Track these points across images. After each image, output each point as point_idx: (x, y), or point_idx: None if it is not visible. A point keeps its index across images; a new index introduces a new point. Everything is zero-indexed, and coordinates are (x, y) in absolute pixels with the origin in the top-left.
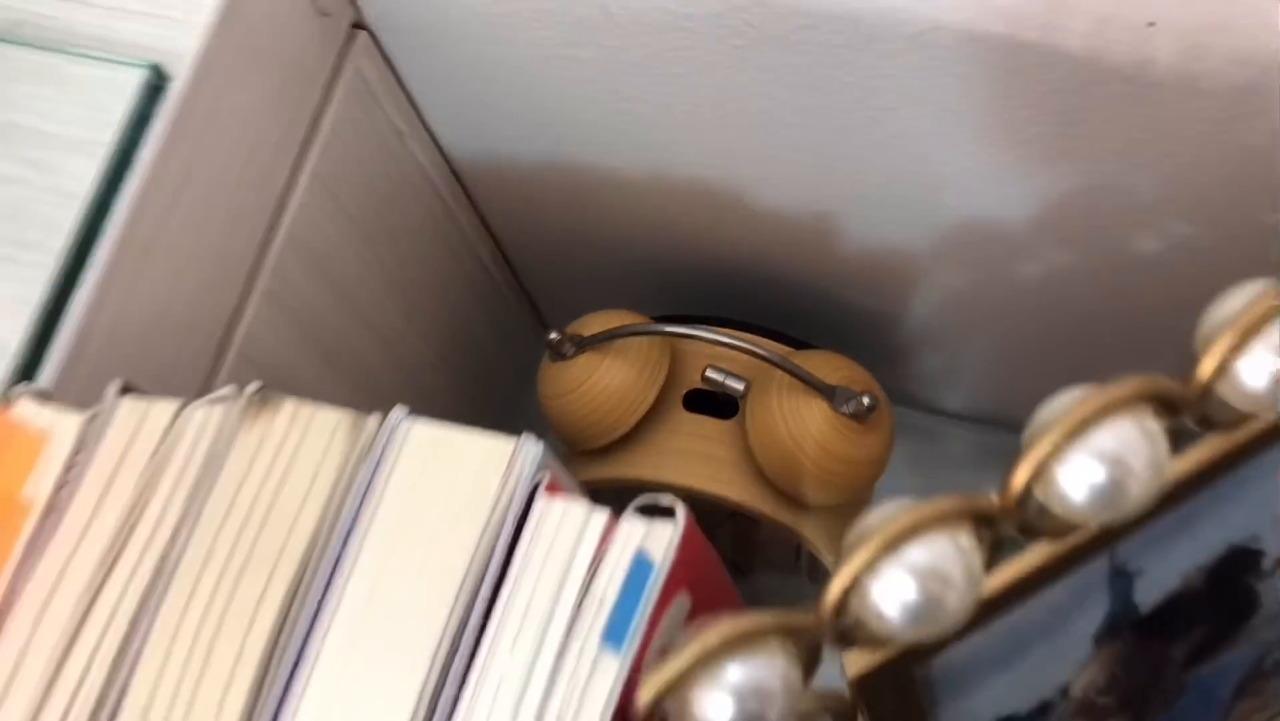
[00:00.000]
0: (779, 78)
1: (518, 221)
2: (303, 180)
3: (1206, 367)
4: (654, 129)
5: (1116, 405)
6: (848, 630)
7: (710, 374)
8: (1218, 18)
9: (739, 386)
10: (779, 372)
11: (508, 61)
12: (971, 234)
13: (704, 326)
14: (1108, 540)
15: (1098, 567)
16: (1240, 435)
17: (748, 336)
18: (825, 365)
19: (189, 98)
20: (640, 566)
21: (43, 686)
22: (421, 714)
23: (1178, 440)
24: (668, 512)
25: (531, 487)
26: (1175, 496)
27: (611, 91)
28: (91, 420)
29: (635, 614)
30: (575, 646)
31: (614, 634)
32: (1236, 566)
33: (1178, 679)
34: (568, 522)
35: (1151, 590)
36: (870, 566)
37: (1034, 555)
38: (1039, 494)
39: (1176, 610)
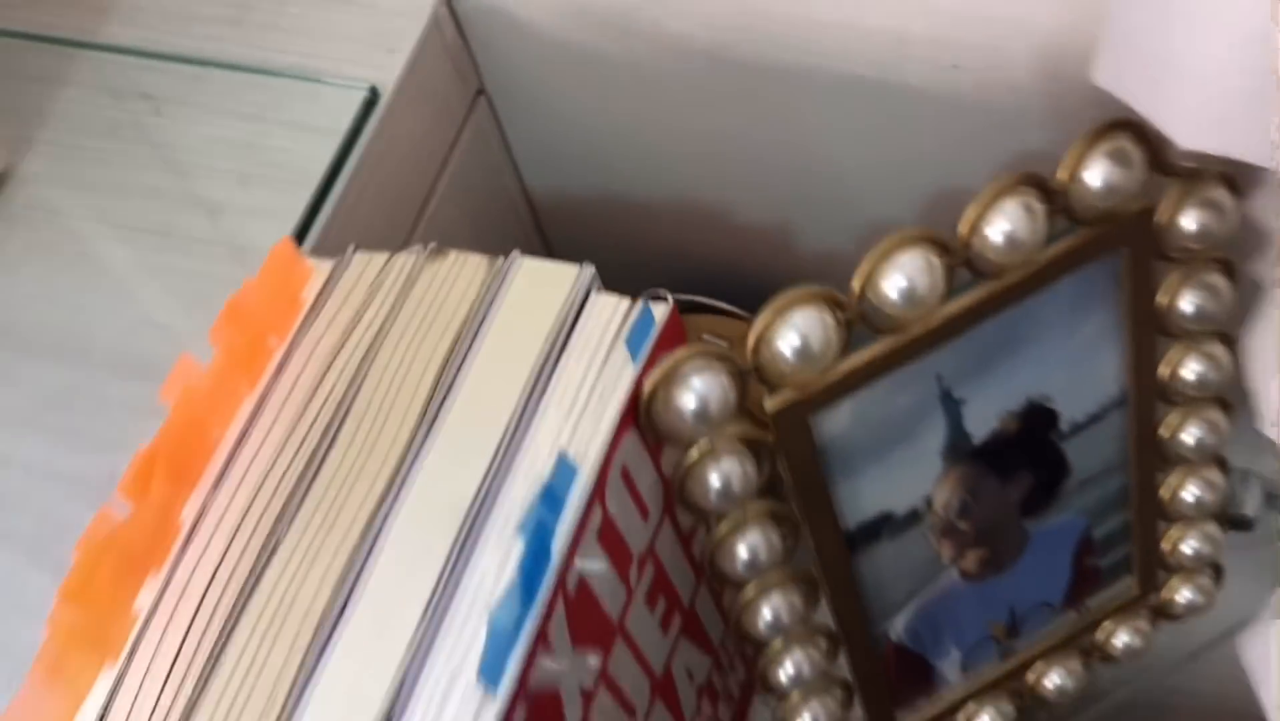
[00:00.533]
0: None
1: (568, 233)
2: (438, 191)
3: (963, 226)
4: (675, 160)
5: (910, 242)
6: (762, 368)
7: (706, 338)
8: None
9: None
10: None
11: (578, 115)
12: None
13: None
14: (928, 345)
15: (930, 386)
16: (999, 284)
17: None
18: None
19: (387, 108)
20: (647, 315)
21: (258, 477)
22: (506, 439)
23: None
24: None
25: (587, 290)
26: (960, 326)
27: (651, 124)
28: (337, 265)
29: (645, 340)
30: (612, 360)
31: (633, 345)
32: (1038, 420)
33: (1019, 525)
34: (606, 303)
35: (978, 422)
36: (769, 324)
37: (878, 345)
38: (871, 296)
39: (1001, 449)
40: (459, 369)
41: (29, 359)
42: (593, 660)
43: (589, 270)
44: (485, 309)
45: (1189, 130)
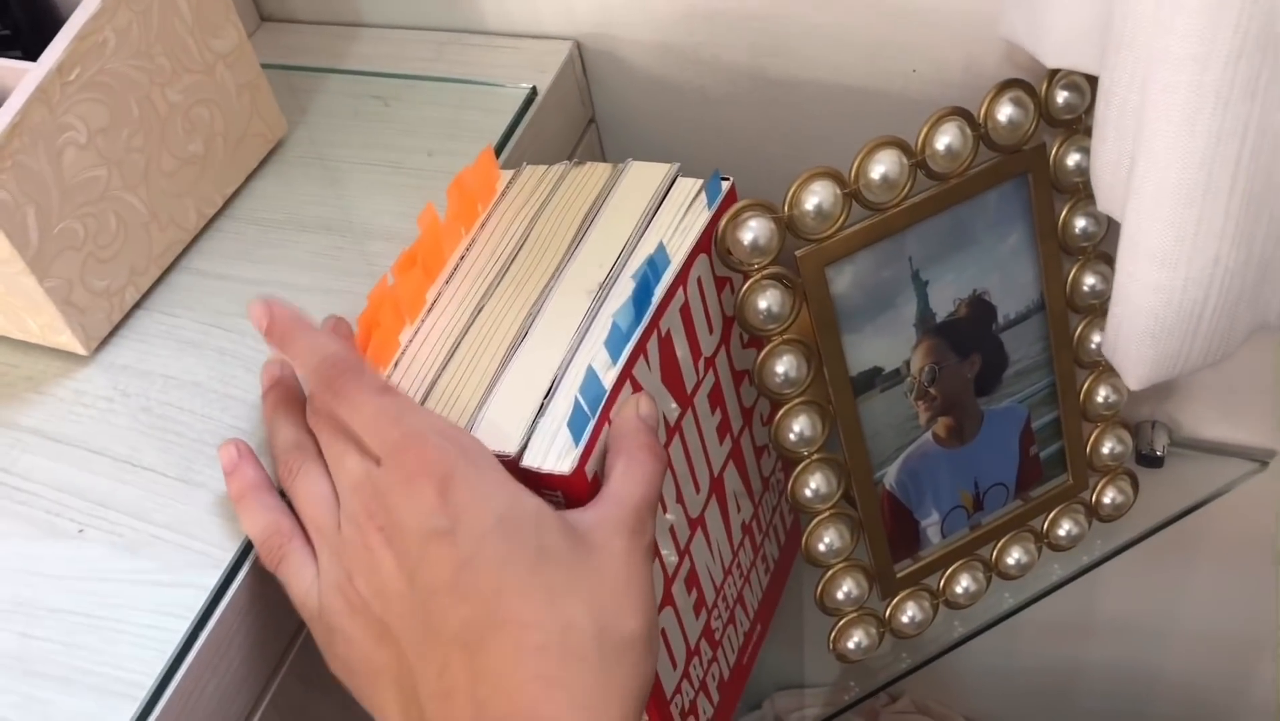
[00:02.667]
0: None
1: None
2: None
3: (919, 137)
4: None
5: (886, 144)
6: (793, 222)
7: None
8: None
9: None
10: None
11: (661, 133)
12: None
13: None
14: (901, 224)
15: (904, 264)
16: (945, 186)
17: None
18: None
19: (540, 103)
20: (716, 180)
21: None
22: (626, 249)
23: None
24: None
25: (676, 173)
26: (922, 213)
27: (711, 133)
28: (516, 172)
29: (717, 195)
30: (693, 209)
31: (710, 196)
32: (981, 310)
33: (975, 403)
34: (689, 181)
35: (940, 302)
36: (799, 189)
37: (868, 219)
38: (861, 179)
39: (957, 330)
40: (593, 220)
41: (307, 232)
42: (673, 405)
43: (677, 165)
44: (611, 187)
45: (1053, 53)
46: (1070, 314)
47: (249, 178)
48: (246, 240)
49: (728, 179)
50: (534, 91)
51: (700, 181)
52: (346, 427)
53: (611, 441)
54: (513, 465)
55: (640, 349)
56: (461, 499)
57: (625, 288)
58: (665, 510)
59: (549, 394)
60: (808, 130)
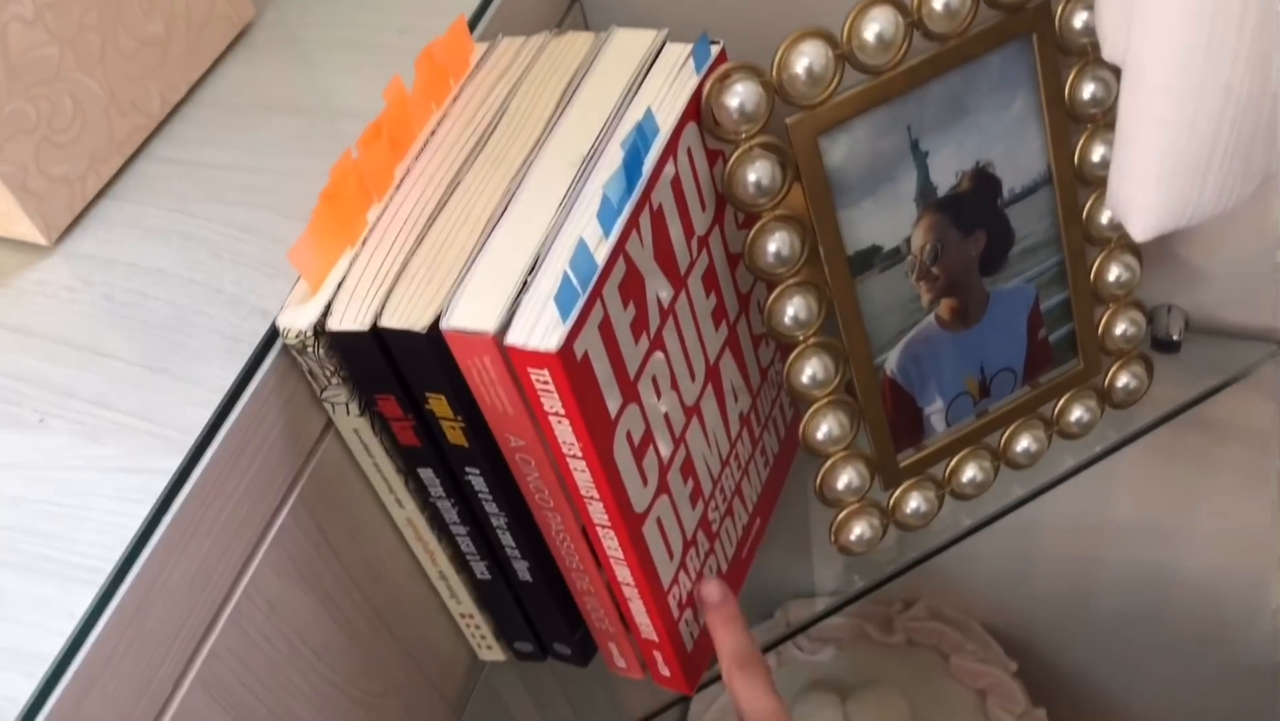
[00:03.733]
0: None
1: None
2: None
3: None
4: None
5: (881, 1)
6: (783, 87)
7: None
8: None
9: None
10: None
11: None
12: None
13: None
14: (898, 89)
15: (902, 134)
16: (944, 48)
17: None
18: None
19: None
20: (704, 42)
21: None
22: (612, 116)
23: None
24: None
25: (664, 39)
26: (920, 76)
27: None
28: (491, 44)
29: (705, 60)
30: (682, 74)
31: (698, 61)
32: (984, 183)
33: (980, 283)
34: (677, 46)
35: (941, 175)
36: (787, 50)
37: (863, 83)
38: (855, 39)
39: (960, 205)
40: (575, 90)
41: (277, 115)
42: (666, 288)
43: (665, 30)
44: (594, 56)
45: None
46: (1080, 187)
47: (215, 63)
48: (213, 125)
49: (717, 42)
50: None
51: (689, 46)
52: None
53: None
54: (493, 344)
55: (633, 222)
56: None
57: (614, 157)
58: (659, 396)
59: (533, 270)
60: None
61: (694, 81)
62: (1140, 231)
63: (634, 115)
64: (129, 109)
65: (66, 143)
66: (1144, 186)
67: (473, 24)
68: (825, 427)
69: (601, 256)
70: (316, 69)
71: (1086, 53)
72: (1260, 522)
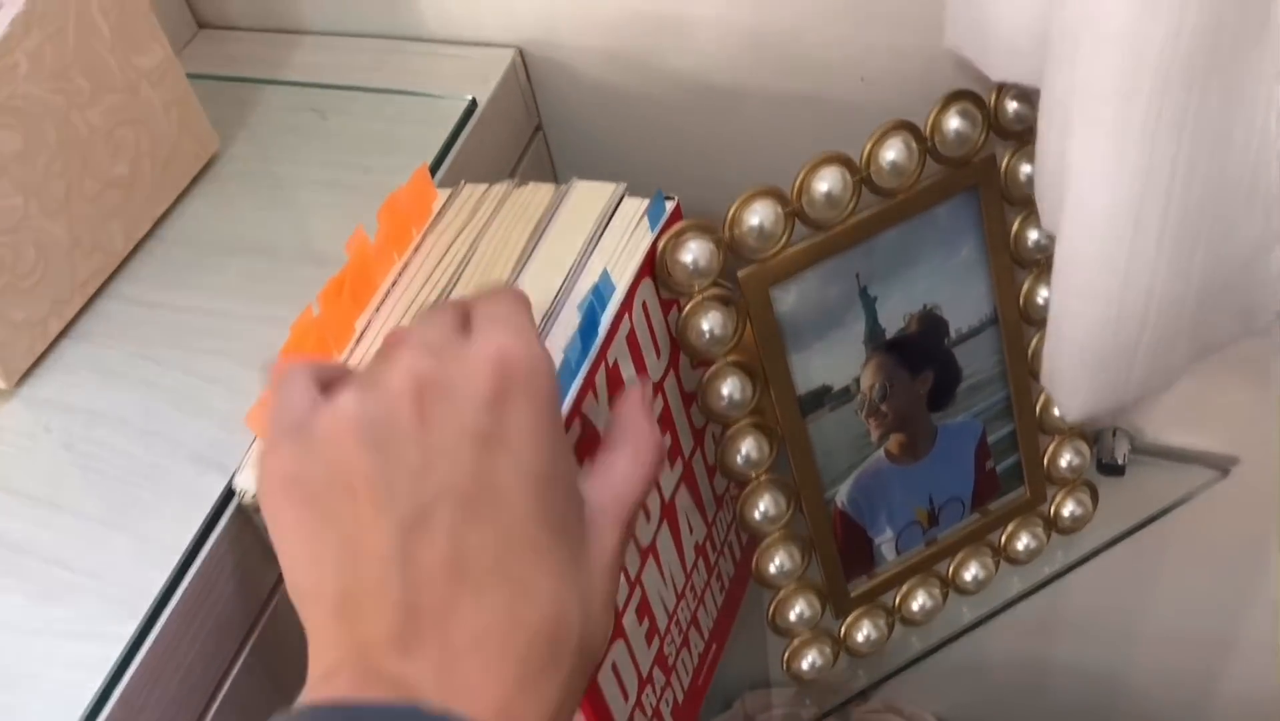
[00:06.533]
0: None
1: None
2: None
3: (863, 153)
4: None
5: (829, 161)
6: (735, 243)
7: None
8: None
9: None
10: None
11: (612, 142)
12: None
13: None
14: (846, 243)
15: (851, 282)
16: (892, 202)
17: None
18: None
19: (481, 115)
20: (660, 200)
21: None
22: (571, 274)
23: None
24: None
25: (622, 194)
26: (868, 230)
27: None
28: (454, 191)
29: (660, 217)
30: (638, 231)
31: (652, 218)
32: (932, 325)
33: (928, 419)
34: (634, 201)
35: (889, 319)
36: (738, 210)
37: (812, 238)
38: (804, 197)
39: (907, 346)
40: (536, 244)
41: (239, 255)
42: None
43: (623, 185)
44: (555, 208)
45: (998, 65)
46: (1024, 326)
47: (180, 197)
48: (178, 264)
49: (672, 198)
50: (474, 103)
51: (644, 203)
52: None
53: (616, 426)
54: None
55: (589, 384)
56: (522, 422)
57: (570, 319)
58: None
59: None
60: (757, 138)
61: (649, 239)
62: (1071, 414)
63: (591, 276)
64: (92, 250)
65: (29, 288)
66: (1073, 374)
67: (436, 163)
68: (778, 561)
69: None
70: (281, 206)
71: (1030, 203)
72: (1205, 628)
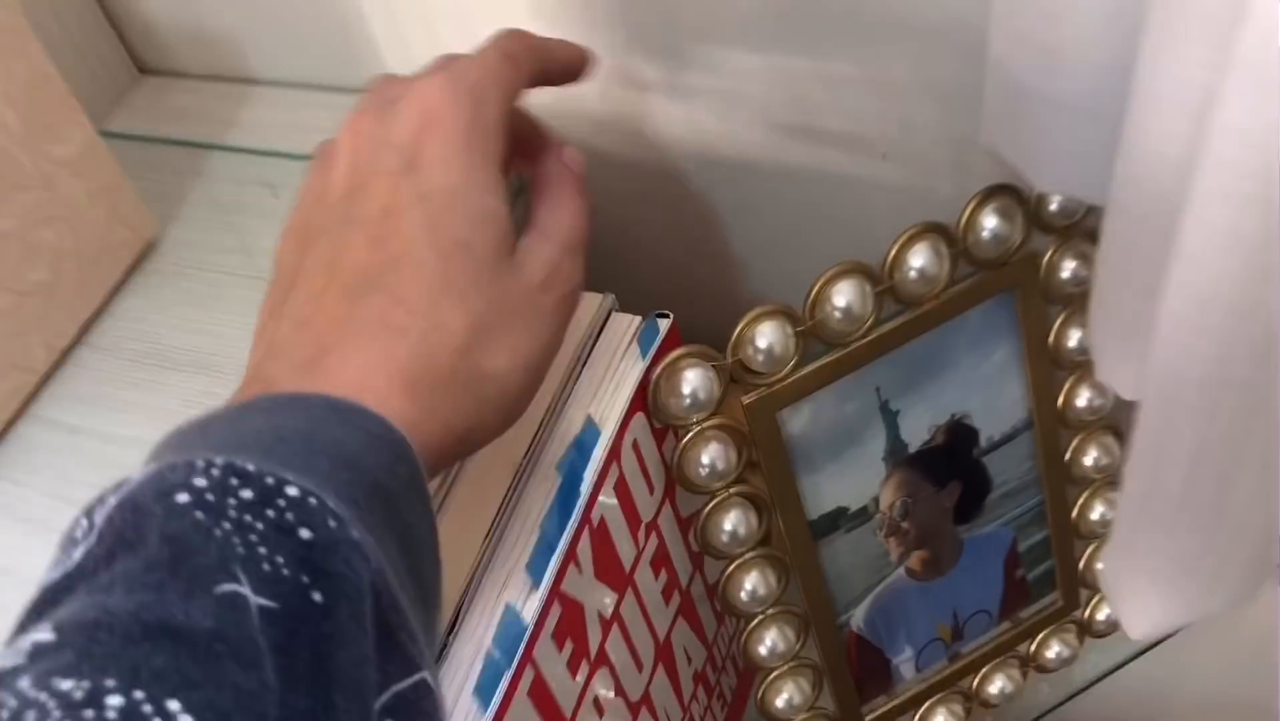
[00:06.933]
0: None
1: None
2: None
3: (886, 261)
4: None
5: (847, 271)
6: (739, 369)
7: None
8: None
9: None
10: None
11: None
12: None
13: None
14: (866, 359)
15: (871, 396)
16: (918, 312)
17: None
18: None
19: None
20: (652, 325)
21: None
22: (549, 416)
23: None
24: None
25: (609, 310)
26: (890, 344)
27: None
28: None
29: (652, 344)
30: (627, 358)
31: (643, 347)
32: (961, 435)
33: (954, 532)
34: (623, 319)
35: (912, 432)
36: (743, 333)
37: (828, 356)
38: (818, 313)
39: (933, 459)
40: None
41: (176, 371)
42: (610, 596)
43: (610, 297)
44: None
45: (1045, 177)
46: (1061, 430)
47: (112, 293)
48: (106, 378)
49: (666, 316)
50: None
51: (637, 320)
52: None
53: (536, 188)
54: None
55: (570, 556)
56: (436, 152)
57: (546, 479)
58: (602, 714)
59: (452, 630)
60: (766, 218)
61: (640, 368)
62: (1136, 633)
63: (572, 422)
64: (8, 370)
65: None
66: (1139, 593)
67: None
68: (785, 695)
69: (532, 611)
70: (223, 307)
71: (1073, 301)
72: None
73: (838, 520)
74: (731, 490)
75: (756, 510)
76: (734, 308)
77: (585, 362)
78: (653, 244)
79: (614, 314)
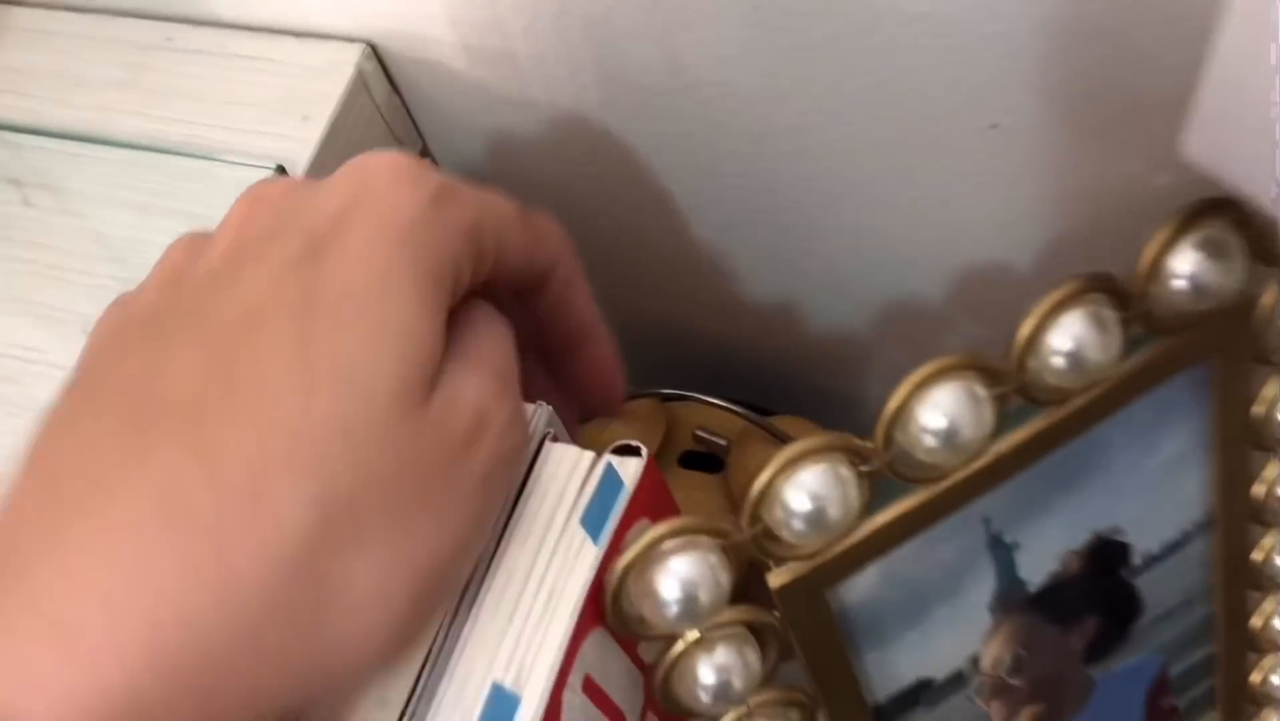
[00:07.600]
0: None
1: None
2: None
3: (1015, 347)
4: (653, 232)
5: (949, 372)
6: (762, 542)
7: (699, 433)
8: None
9: (723, 443)
10: (757, 431)
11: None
12: (906, 312)
13: (693, 394)
14: (973, 492)
15: (976, 532)
16: (1061, 413)
17: (728, 401)
18: (794, 426)
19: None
20: (612, 478)
21: None
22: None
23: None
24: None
25: (543, 437)
26: (1013, 466)
27: (614, 200)
28: None
29: (610, 512)
30: (566, 539)
31: (593, 524)
32: (1107, 556)
33: (1083, 673)
34: (565, 457)
35: (1034, 567)
36: (772, 484)
37: (911, 497)
38: (901, 441)
39: (1063, 594)
40: None
41: None
42: None
43: (544, 410)
44: None
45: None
46: (1253, 526)
47: None
48: None
49: (637, 452)
50: (281, 173)
51: (585, 462)
52: None
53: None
54: None
55: None
56: (356, 243)
57: None
58: None
59: None
60: (803, 209)
61: (592, 556)
62: None
63: (468, 683)
64: None
65: None
66: None
67: None
68: None
69: None
70: None
71: None
72: None
73: (917, 696)
74: (754, 704)
75: (797, 710)
76: (761, 359)
77: (490, 562)
78: (622, 273)
79: (547, 445)
